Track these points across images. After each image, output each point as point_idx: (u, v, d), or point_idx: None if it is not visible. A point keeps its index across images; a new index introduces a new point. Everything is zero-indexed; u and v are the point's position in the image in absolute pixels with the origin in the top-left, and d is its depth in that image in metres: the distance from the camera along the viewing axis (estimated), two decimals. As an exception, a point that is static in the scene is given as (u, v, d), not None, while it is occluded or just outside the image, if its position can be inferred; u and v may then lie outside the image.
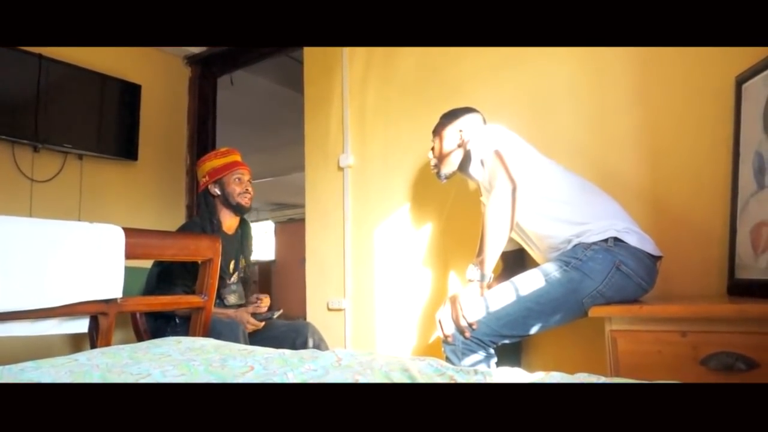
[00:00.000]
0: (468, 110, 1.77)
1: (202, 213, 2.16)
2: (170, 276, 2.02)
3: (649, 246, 1.43)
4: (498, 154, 1.49)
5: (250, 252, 2.30)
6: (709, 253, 1.59)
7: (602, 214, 1.46)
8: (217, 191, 2.15)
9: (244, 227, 2.28)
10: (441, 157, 1.75)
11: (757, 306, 1.17)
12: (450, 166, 1.74)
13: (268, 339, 2.02)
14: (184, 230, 2.16)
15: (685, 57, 1.67)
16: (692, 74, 1.67)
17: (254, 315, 2.01)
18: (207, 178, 2.17)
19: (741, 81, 1.55)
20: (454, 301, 1.48)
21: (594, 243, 1.41)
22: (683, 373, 1.17)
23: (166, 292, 1.98)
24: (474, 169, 1.62)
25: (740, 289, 1.44)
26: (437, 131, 1.78)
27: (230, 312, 2.03)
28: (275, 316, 2.07)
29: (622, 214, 1.48)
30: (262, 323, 2.03)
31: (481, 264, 1.48)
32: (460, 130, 1.72)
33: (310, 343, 2.05)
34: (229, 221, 2.19)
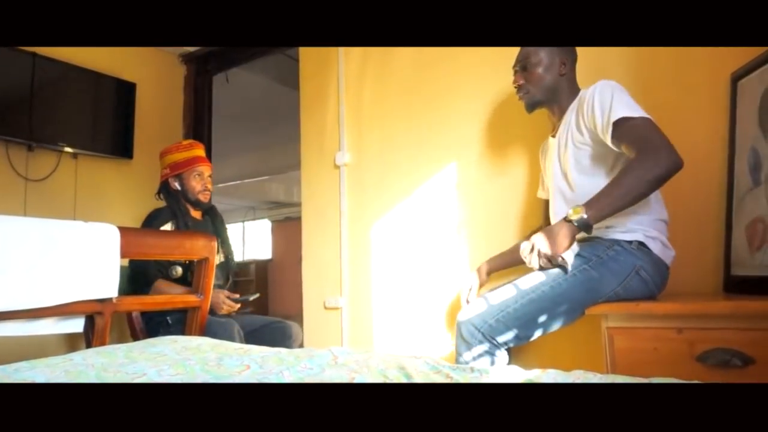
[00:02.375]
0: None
1: (168, 201, 2.20)
2: (142, 261, 2.03)
3: (669, 258, 1.44)
4: (654, 124, 1.32)
5: (226, 239, 2.32)
6: (705, 249, 1.59)
7: (642, 215, 1.41)
8: (177, 186, 2.19)
9: (211, 213, 2.32)
10: (537, 81, 1.56)
11: (753, 302, 1.18)
12: (544, 92, 1.57)
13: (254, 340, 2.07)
14: (155, 215, 2.17)
15: (681, 54, 1.67)
16: (688, 71, 1.67)
17: (230, 298, 2.07)
18: (168, 170, 2.21)
19: (737, 78, 1.55)
20: (551, 234, 1.34)
21: (617, 242, 1.39)
22: (679, 369, 1.17)
23: (142, 280, 2.00)
24: (595, 114, 1.40)
25: (736, 285, 1.45)
26: (539, 53, 1.56)
27: None
28: (251, 299, 2.14)
29: (658, 224, 1.44)
30: (238, 305, 2.09)
31: (589, 207, 1.29)
32: (563, 59, 1.56)
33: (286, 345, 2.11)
34: (191, 212, 2.24)
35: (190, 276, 2.12)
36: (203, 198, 2.20)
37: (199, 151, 2.26)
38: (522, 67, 1.60)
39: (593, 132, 1.43)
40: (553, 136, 1.62)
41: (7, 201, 2.57)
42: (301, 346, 2.22)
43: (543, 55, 1.56)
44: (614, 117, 1.33)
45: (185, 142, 2.31)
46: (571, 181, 1.51)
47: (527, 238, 1.77)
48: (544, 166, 1.73)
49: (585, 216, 1.28)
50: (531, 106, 1.61)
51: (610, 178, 1.43)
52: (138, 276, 2.05)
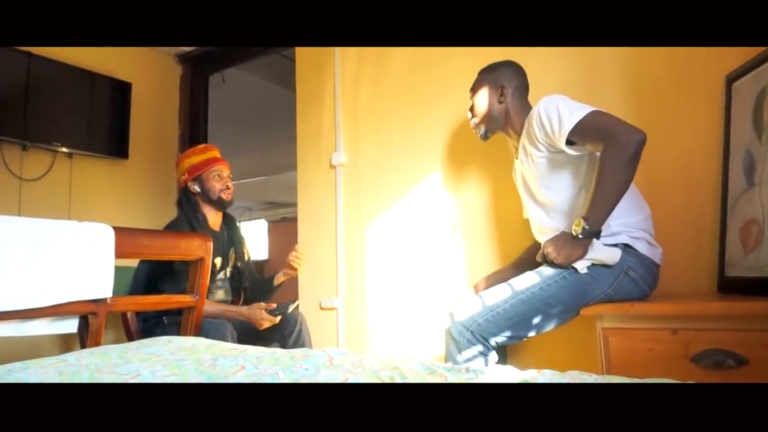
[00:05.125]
0: (507, 64, 1.68)
1: (186, 210, 2.16)
2: (159, 280, 2.02)
3: (657, 256, 1.45)
4: (604, 112, 1.38)
5: (241, 246, 2.31)
6: (699, 250, 1.60)
7: (625, 217, 1.42)
8: (197, 188, 2.17)
9: (229, 223, 2.30)
10: (482, 115, 1.66)
11: (747, 303, 1.18)
12: (493, 123, 1.65)
13: (257, 329, 2.04)
14: (171, 227, 2.16)
15: (676, 56, 1.68)
16: (683, 73, 1.67)
17: (268, 311, 1.99)
18: (186, 175, 2.19)
19: (731, 80, 1.56)
20: (562, 248, 1.39)
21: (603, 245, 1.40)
22: (674, 370, 1.17)
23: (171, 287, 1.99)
24: (545, 130, 1.45)
25: (730, 286, 1.45)
26: (476, 88, 1.69)
27: (243, 310, 2.02)
28: (290, 310, 2.04)
29: (642, 223, 1.45)
30: (278, 318, 2.01)
31: (587, 216, 1.34)
32: (502, 86, 1.63)
33: (296, 332, 2.08)
34: (212, 217, 2.21)
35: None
36: (225, 196, 2.17)
37: (215, 152, 2.24)
38: (472, 98, 1.70)
39: (548, 144, 1.46)
40: (517, 158, 1.66)
41: (1, 201, 2.55)
42: (307, 333, 2.16)
43: (482, 85, 1.66)
44: (567, 127, 1.37)
45: (200, 146, 2.28)
46: (541, 195, 1.54)
47: (526, 252, 1.77)
48: (517, 186, 1.76)
49: (587, 226, 1.33)
50: (483, 136, 1.70)
51: (576, 183, 1.47)
52: (153, 282, 2.02)
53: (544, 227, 1.57)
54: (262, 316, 1.97)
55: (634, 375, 0.88)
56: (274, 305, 2.02)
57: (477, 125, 1.69)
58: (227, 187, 2.18)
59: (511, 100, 1.62)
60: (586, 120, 1.36)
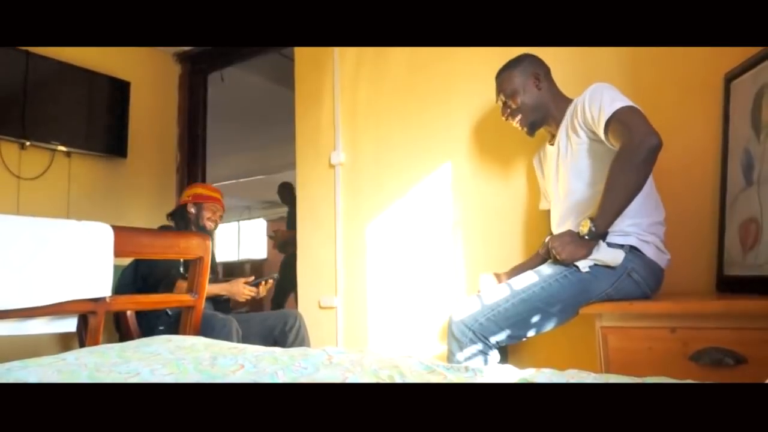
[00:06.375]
0: (526, 55, 1.66)
1: (178, 222, 2.46)
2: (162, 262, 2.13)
3: (663, 261, 1.45)
4: (636, 109, 1.35)
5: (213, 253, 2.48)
6: (698, 249, 1.60)
7: (639, 217, 1.42)
8: (193, 211, 2.44)
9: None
10: (529, 107, 1.60)
11: (745, 302, 1.18)
12: (539, 111, 1.61)
13: (259, 326, 2.26)
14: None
15: (675, 55, 1.68)
16: (681, 72, 1.68)
17: (248, 283, 2.30)
18: (190, 198, 2.48)
19: (730, 78, 1.56)
20: (567, 246, 1.39)
21: (610, 245, 1.39)
22: (673, 368, 1.18)
23: (161, 281, 2.11)
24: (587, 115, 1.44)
25: (729, 285, 1.46)
26: (506, 87, 1.63)
27: (225, 286, 2.31)
28: (269, 280, 2.38)
29: (655, 227, 1.44)
30: (258, 288, 2.32)
31: (595, 217, 1.33)
32: (535, 73, 1.61)
33: (296, 327, 2.28)
34: None
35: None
36: (208, 225, 2.44)
37: (220, 196, 2.53)
38: (503, 100, 1.65)
39: (589, 131, 1.45)
40: (551, 144, 1.64)
41: (0, 200, 2.55)
42: (306, 331, 2.30)
43: (516, 80, 1.61)
44: (606, 115, 1.37)
45: (212, 186, 2.60)
46: (569, 184, 1.53)
47: (544, 248, 1.76)
48: (542, 174, 1.75)
49: (593, 228, 1.34)
50: (531, 129, 1.65)
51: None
52: (156, 276, 2.12)
53: (565, 219, 1.55)
54: (243, 287, 2.28)
55: (633, 373, 0.88)
56: (252, 278, 2.35)
57: (523, 120, 1.63)
58: (214, 221, 2.48)
59: (547, 85, 1.61)
60: (618, 112, 1.35)
